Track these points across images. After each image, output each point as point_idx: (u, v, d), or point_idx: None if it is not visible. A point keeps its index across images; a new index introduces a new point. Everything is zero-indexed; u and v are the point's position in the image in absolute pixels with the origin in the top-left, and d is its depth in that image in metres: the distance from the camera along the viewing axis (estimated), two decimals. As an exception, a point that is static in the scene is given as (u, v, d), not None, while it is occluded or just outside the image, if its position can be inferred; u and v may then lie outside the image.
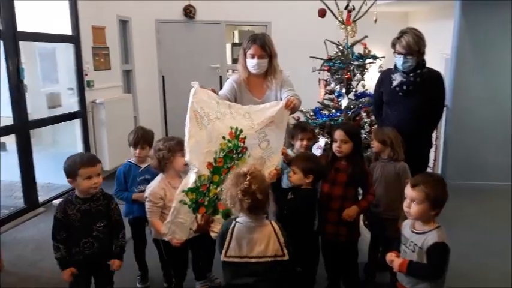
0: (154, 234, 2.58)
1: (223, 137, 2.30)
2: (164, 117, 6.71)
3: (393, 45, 2.78)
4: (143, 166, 2.80)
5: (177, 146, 2.39)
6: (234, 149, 2.32)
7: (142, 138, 2.76)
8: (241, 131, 2.33)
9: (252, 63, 2.71)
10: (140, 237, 2.90)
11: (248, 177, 1.75)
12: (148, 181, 2.67)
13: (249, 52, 2.70)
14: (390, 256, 1.95)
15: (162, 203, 2.41)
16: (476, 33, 4.59)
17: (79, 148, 5.08)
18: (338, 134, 2.44)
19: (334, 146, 2.46)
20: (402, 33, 2.73)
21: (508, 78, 4.60)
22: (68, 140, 5.19)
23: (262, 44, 2.68)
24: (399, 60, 2.75)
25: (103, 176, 2.12)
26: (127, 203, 2.83)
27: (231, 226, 1.84)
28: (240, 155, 2.33)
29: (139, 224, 2.85)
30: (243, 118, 2.36)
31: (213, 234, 2.34)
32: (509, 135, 4.63)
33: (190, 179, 2.30)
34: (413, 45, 2.67)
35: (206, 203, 2.32)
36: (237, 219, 1.85)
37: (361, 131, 3.58)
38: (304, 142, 2.78)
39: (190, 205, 2.30)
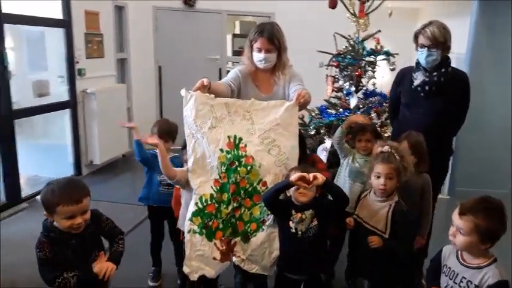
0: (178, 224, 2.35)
1: (221, 150, 2.05)
2: (160, 109, 6.42)
3: (415, 38, 2.51)
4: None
5: None
6: (235, 160, 2.05)
7: (167, 132, 2.62)
8: (240, 139, 2.07)
9: (258, 58, 2.40)
10: (158, 231, 2.83)
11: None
12: None
13: (256, 45, 2.39)
14: None
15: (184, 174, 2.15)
16: (493, 33, 4.34)
17: (68, 140, 4.81)
18: None
19: None
20: (426, 25, 2.47)
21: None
22: (57, 131, 4.91)
23: (271, 37, 2.37)
24: (422, 54, 2.48)
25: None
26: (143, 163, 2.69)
27: None
28: (250, 167, 2.06)
29: (158, 217, 2.79)
30: (242, 120, 2.09)
31: (236, 259, 2.11)
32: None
33: (191, 204, 2.07)
34: (438, 36, 2.41)
35: (221, 225, 2.07)
36: None
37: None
38: (363, 144, 2.53)
39: (200, 232, 2.06)
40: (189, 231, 2.07)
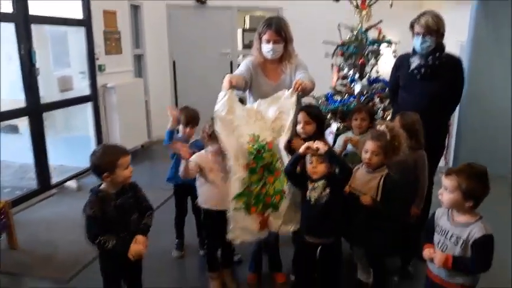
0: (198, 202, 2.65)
1: (248, 143, 2.37)
2: (175, 101, 6.71)
3: (411, 26, 2.74)
4: (191, 141, 2.89)
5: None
6: (260, 149, 2.36)
7: (193, 118, 2.89)
8: (258, 136, 2.39)
9: (267, 48, 2.65)
10: (182, 206, 3.10)
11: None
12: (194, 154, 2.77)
13: (264, 37, 2.63)
14: (429, 253, 1.87)
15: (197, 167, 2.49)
16: (494, 19, 4.49)
17: (91, 132, 5.11)
18: (301, 115, 2.46)
19: (299, 127, 2.48)
20: (420, 14, 2.70)
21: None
22: (80, 123, 5.22)
23: (278, 29, 2.61)
24: (417, 41, 2.71)
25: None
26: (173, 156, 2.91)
27: None
28: (272, 152, 2.38)
29: (183, 194, 3.04)
30: (256, 121, 2.42)
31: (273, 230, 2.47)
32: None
33: (234, 187, 2.36)
34: (432, 24, 2.64)
35: (253, 201, 2.39)
36: None
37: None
38: (358, 122, 2.79)
39: (242, 208, 2.38)
40: (234, 209, 2.37)
